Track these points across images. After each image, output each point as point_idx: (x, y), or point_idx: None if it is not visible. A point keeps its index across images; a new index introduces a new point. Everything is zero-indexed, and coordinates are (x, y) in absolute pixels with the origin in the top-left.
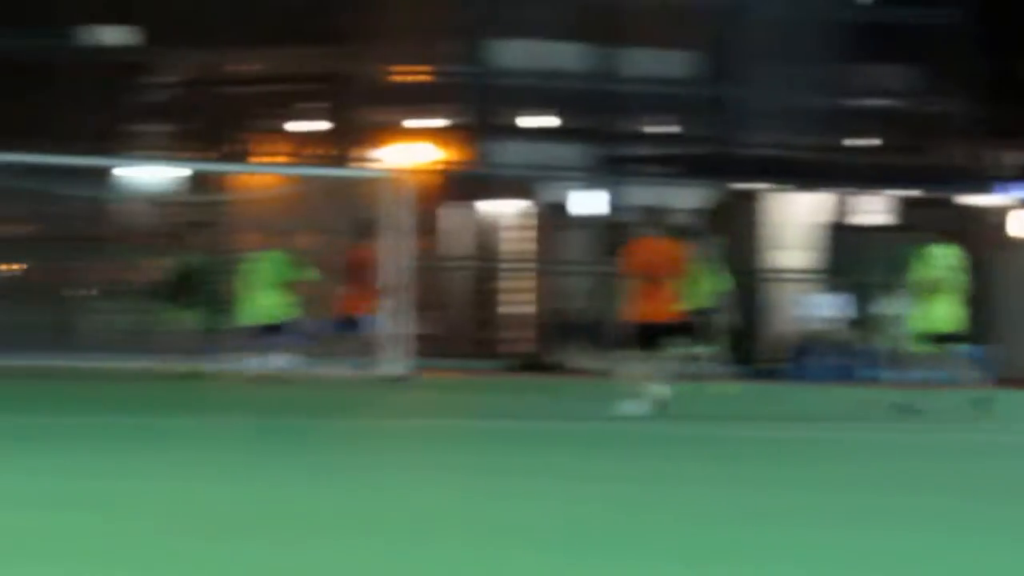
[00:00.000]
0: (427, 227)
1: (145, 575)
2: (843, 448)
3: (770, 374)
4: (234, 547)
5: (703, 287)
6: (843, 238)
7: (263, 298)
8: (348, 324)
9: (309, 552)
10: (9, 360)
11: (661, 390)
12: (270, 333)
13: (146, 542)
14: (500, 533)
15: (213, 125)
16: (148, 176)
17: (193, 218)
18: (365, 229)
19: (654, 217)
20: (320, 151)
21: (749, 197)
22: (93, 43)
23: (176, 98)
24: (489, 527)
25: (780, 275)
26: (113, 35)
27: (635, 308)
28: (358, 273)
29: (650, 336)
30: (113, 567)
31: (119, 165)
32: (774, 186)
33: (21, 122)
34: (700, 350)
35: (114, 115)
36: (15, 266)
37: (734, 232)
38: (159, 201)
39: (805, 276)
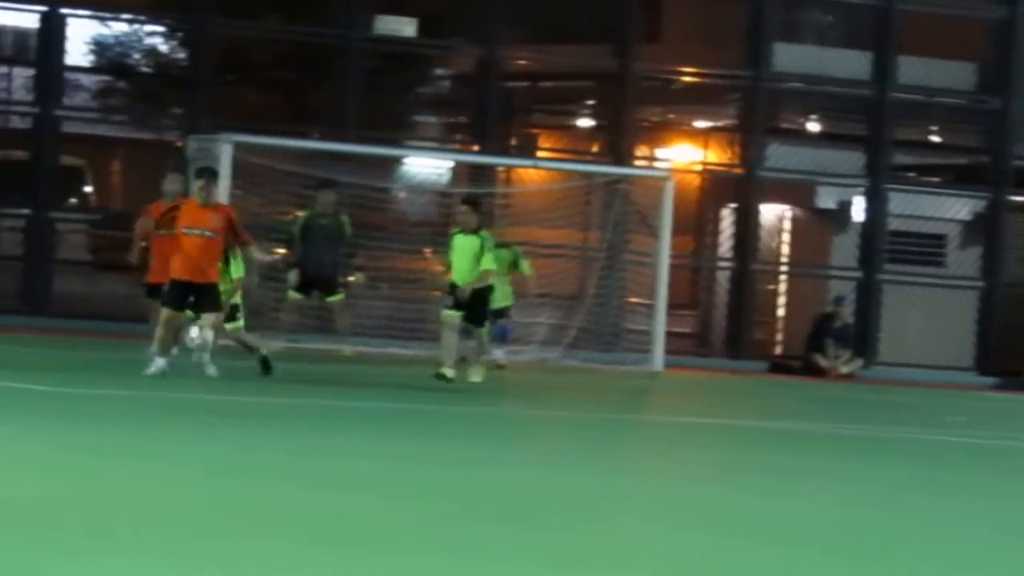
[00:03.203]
0: (694, 227)
1: (425, 556)
2: None
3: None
4: (508, 531)
5: None
6: None
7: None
8: None
9: (581, 536)
10: (292, 344)
11: None
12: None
13: (428, 524)
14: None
15: (494, 119)
16: (428, 167)
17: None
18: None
19: None
20: (596, 148)
21: (1019, 208)
22: (383, 34)
23: (459, 90)
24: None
25: None
26: (402, 27)
27: None
28: None
29: None
30: (391, 549)
31: (403, 155)
32: None
33: (312, 110)
34: None
35: (400, 106)
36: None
37: (1002, 243)
38: (437, 191)
39: None
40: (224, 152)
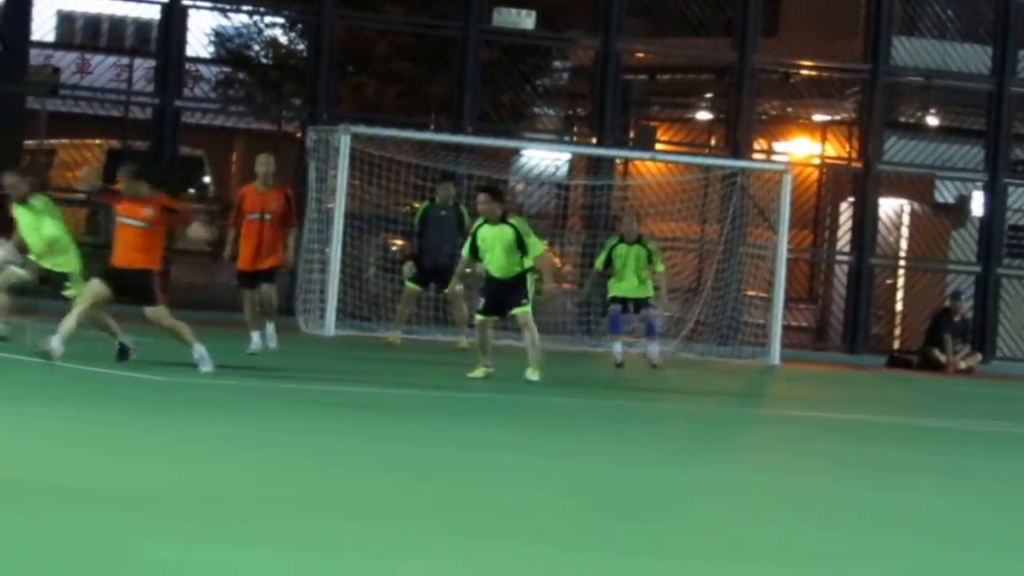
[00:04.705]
0: (812, 221)
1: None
2: None
3: None
4: (624, 525)
5: None
6: None
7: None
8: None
9: (697, 530)
10: (409, 335)
11: None
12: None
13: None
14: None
15: (612, 111)
16: (546, 159)
17: (586, 202)
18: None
19: None
20: (714, 141)
21: None
22: (502, 26)
23: (577, 83)
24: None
25: None
26: (521, 19)
27: None
28: None
29: None
30: (508, 541)
31: (521, 146)
32: None
33: (431, 102)
34: None
35: (518, 97)
36: (400, 241)
37: None
38: (555, 183)
39: None
40: (342, 143)
